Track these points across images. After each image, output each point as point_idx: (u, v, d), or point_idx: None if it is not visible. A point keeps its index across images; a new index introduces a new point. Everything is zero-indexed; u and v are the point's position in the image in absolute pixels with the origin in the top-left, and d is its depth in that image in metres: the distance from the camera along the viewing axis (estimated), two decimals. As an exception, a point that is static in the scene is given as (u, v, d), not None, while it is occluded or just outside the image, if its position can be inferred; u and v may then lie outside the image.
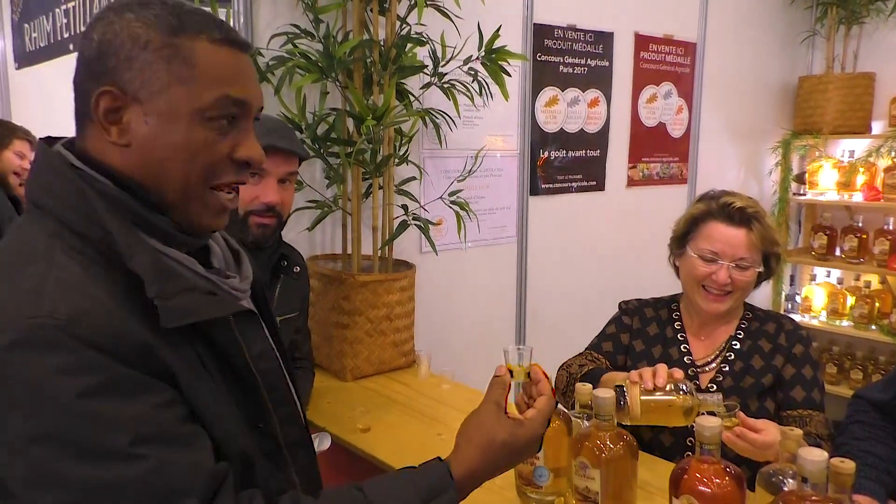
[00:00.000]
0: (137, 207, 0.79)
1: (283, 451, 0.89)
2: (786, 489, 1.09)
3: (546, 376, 1.01)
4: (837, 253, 3.61)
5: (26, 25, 3.32)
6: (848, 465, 0.96)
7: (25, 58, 3.36)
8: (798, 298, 3.85)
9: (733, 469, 1.08)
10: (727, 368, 1.60)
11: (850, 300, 3.58)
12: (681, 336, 1.67)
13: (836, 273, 3.72)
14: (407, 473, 0.88)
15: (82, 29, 2.44)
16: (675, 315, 1.71)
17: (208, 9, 0.89)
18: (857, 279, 3.56)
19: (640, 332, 1.71)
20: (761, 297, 3.89)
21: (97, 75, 0.78)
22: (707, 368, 1.62)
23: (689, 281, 1.63)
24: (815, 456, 0.94)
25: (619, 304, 1.80)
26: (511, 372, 1.01)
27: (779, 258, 1.63)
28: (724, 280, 1.56)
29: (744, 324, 1.65)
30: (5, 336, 0.68)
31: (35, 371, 0.68)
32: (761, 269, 1.59)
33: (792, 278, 3.93)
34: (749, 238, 1.56)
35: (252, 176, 1.49)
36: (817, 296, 3.74)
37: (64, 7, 2.91)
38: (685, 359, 1.64)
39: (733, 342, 1.63)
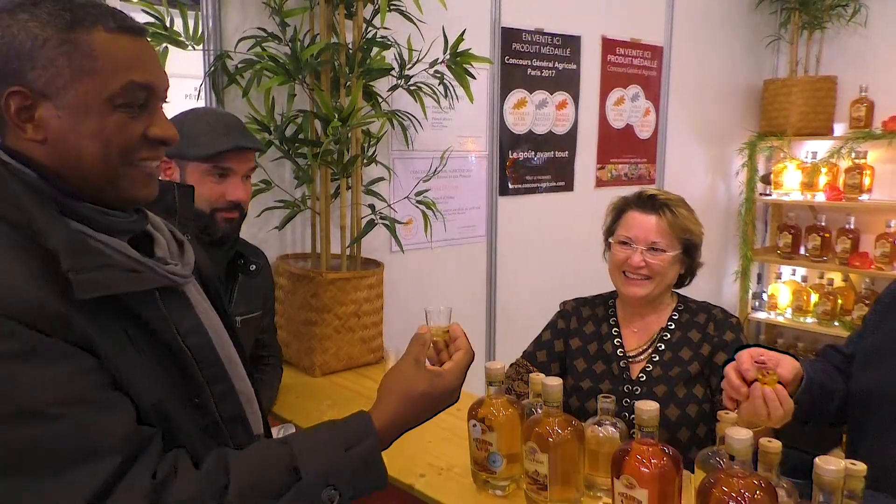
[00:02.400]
0: (58, 195, 0.84)
1: (220, 427, 0.93)
2: (722, 469, 1.15)
3: (465, 335, 1.08)
4: (802, 251, 3.71)
5: None
6: (774, 445, 1.03)
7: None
8: (765, 296, 3.95)
9: (671, 451, 1.14)
10: (657, 358, 1.67)
11: (814, 297, 3.67)
12: (615, 331, 1.75)
13: (801, 271, 3.81)
14: (331, 424, 0.93)
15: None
16: (611, 311, 1.79)
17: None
18: (821, 277, 3.66)
19: (578, 331, 1.80)
20: (729, 294, 3.99)
21: (2, 78, 0.82)
22: (638, 359, 1.69)
23: (612, 269, 1.73)
24: (741, 435, 1.00)
25: (560, 304, 1.87)
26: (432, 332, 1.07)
27: (696, 247, 1.70)
28: (637, 263, 1.65)
29: (675, 315, 1.73)
30: None
31: None
32: (676, 252, 1.67)
33: (759, 276, 4.03)
34: (660, 224, 1.65)
35: (219, 176, 1.55)
36: (783, 293, 3.84)
37: None
38: (618, 351, 1.72)
39: (664, 333, 1.70)
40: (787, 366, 1.23)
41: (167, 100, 0.92)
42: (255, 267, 1.71)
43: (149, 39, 0.91)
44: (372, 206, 2.17)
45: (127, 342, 0.84)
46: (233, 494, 0.81)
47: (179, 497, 0.78)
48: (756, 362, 1.22)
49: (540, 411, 1.31)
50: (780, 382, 1.22)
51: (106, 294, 0.81)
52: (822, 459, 0.96)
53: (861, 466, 0.98)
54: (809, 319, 3.68)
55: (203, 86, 2.02)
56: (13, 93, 0.81)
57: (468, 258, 2.79)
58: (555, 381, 1.25)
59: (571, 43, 2.96)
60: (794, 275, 3.87)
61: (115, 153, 0.85)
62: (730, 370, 1.24)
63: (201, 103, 2.02)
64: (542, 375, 1.40)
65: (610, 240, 1.75)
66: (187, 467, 0.82)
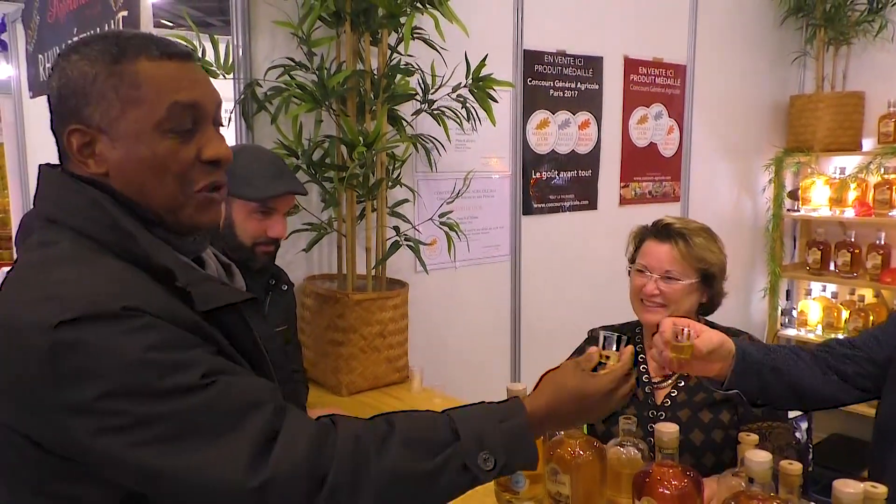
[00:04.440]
0: (141, 219, 0.88)
1: None
2: (744, 492, 1.16)
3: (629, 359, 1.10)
4: (832, 268, 3.67)
5: (40, 56, 3.45)
6: (795, 467, 1.03)
7: (39, 87, 3.49)
8: (794, 313, 3.90)
9: (692, 473, 1.15)
10: (682, 384, 1.67)
11: (845, 314, 3.62)
12: (640, 357, 1.75)
13: (831, 287, 3.77)
14: (486, 404, 0.99)
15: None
16: (638, 338, 1.79)
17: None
18: (852, 293, 3.61)
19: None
20: (758, 311, 3.95)
21: (63, 118, 0.87)
22: (663, 385, 1.69)
23: (631, 296, 1.74)
24: (760, 458, 1.01)
25: (588, 330, 1.88)
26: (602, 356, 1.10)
27: (714, 277, 1.69)
28: (651, 291, 1.66)
29: None
30: (69, 313, 0.76)
31: (103, 336, 0.76)
32: (691, 281, 1.67)
33: (788, 293, 3.98)
34: (672, 252, 1.66)
35: (263, 214, 1.62)
36: (813, 310, 3.79)
37: (76, 38, 3.04)
38: (643, 377, 1.72)
39: None
40: (706, 339, 1.23)
41: (222, 123, 0.93)
42: (286, 287, 1.83)
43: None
44: (396, 228, 2.21)
45: (218, 349, 0.89)
46: (397, 441, 0.86)
47: (343, 434, 0.84)
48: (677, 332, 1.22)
49: (562, 433, 1.33)
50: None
51: (220, 305, 0.87)
52: (840, 482, 0.97)
53: (882, 489, 0.98)
54: (840, 336, 3.62)
55: (233, 113, 2.08)
56: (73, 130, 0.86)
57: (492, 277, 2.81)
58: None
59: (593, 63, 2.99)
60: (823, 291, 3.82)
61: (172, 180, 0.87)
62: (657, 338, 1.26)
63: (231, 130, 2.09)
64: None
65: (630, 266, 1.76)
66: (345, 417, 0.88)
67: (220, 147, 0.90)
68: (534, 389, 1.04)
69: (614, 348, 1.10)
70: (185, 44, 0.93)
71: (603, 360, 1.09)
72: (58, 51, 3.20)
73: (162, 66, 0.87)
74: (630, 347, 1.09)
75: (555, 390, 1.01)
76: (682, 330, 1.21)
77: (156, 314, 0.79)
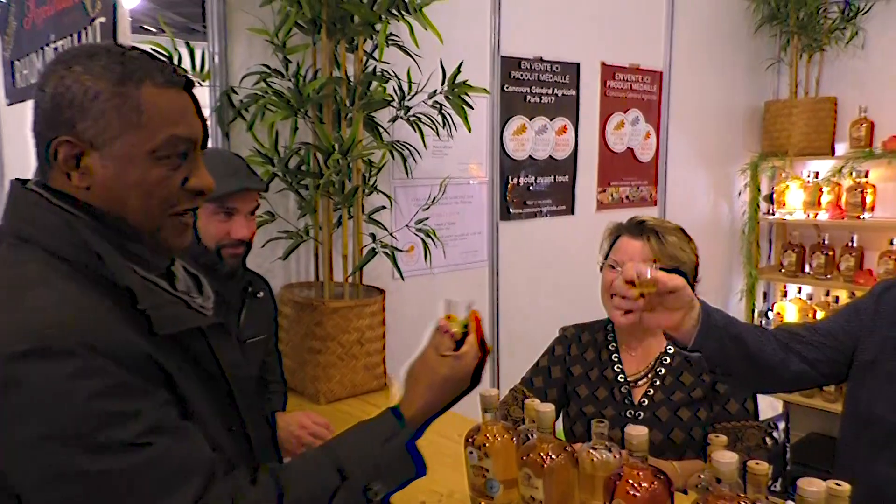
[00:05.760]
0: (116, 236, 0.88)
1: (253, 452, 0.98)
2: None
3: (479, 326, 1.13)
4: (807, 270, 3.72)
5: (17, 62, 3.42)
6: (762, 467, 1.05)
7: (15, 94, 3.45)
8: (771, 314, 3.95)
9: (662, 475, 1.16)
10: (658, 383, 1.69)
11: (820, 315, 3.67)
12: (615, 356, 1.76)
13: (806, 289, 3.82)
14: (364, 423, 1.00)
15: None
16: (611, 336, 1.80)
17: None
18: (827, 294, 3.67)
19: (578, 358, 1.81)
20: (735, 312, 3.97)
21: (54, 126, 0.86)
22: (639, 383, 1.71)
23: (602, 292, 1.75)
24: (727, 458, 1.02)
25: (559, 329, 1.89)
26: (451, 323, 1.12)
27: (685, 277, 1.70)
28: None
29: None
30: (20, 346, 0.75)
31: (49, 376, 0.75)
32: None
33: (765, 295, 4.03)
34: (644, 249, 1.67)
35: (225, 215, 1.61)
36: (789, 311, 3.83)
37: (53, 45, 3.02)
38: (619, 377, 1.73)
39: (664, 357, 1.71)
40: (670, 276, 1.21)
41: (207, 144, 0.96)
42: (262, 294, 1.80)
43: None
44: (373, 235, 2.22)
45: (182, 374, 0.88)
46: (288, 502, 0.87)
47: None
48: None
49: (535, 437, 1.33)
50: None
51: (181, 329, 0.87)
52: (804, 481, 0.98)
53: (845, 487, 1.00)
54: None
55: (209, 121, 2.07)
56: (63, 141, 0.85)
57: (471, 283, 2.82)
58: (547, 408, 1.28)
59: (570, 70, 3.02)
60: (799, 293, 3.87)
61: (156, 205, 0.89)
62: (618, 280, 1.27)
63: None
64: (536, 401, 1.42)
65: (603, 262, 1.78)
66: (245, 484, 0.88)
67: (205, 179, 0.93)
68: (406, 386, 1.06)
69: (461, 312, 1.13)
70: (185, 72, 0.93)
71: (454, 333, 1.10)
72: (35, 57, 3.18)
73: (165, 94, 0.88)
74: (475, 310, 1.12)
75: (428, 386, 1.03)
76: (645, 268, 1.21)
77: (108, 353, 0.78)
